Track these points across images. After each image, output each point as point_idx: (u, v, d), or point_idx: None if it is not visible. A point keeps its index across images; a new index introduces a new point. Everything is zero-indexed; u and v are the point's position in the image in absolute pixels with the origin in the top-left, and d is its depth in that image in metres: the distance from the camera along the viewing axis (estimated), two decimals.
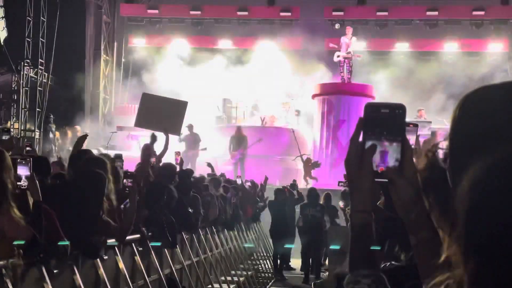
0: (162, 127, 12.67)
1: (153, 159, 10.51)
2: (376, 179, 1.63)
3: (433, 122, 22.95)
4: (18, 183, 4.52)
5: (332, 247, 13.97)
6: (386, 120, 1.63)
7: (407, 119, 1.68)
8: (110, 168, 6.34)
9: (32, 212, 4.61)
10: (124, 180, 6.60)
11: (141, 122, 13.92)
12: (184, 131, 21.16)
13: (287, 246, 15.59)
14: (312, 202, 15.19)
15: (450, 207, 1.39)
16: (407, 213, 1.65)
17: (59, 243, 4.98)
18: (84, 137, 7.98)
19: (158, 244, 8.17)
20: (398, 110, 1.64)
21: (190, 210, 9.67)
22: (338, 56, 23.43)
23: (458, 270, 1.19)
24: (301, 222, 15.42)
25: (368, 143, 1.62)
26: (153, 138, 10.69)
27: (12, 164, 4.45)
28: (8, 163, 4.31)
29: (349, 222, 1.72)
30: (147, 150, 10.66)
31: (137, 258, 7.53)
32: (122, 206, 6.78)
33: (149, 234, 7.84)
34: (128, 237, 7.09)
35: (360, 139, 1.64)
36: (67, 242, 5.15)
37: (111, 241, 6.47)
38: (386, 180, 1.63)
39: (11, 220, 4.23)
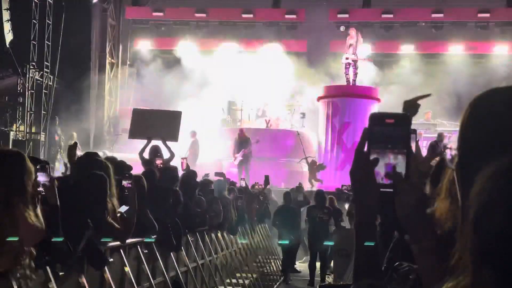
0: (158, 135, 12.55)
1: (159, 161, 10.53)
2: (381, 190, 1.63)
3: (440, 125, 22.96)
4: (38, 189, 4.55)
5: (336, 248, 14.00)
6: (391, 131, 1.63)
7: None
8: (113, 171, 6.34)
9: (49, 217, 4.64)
10: (123, 182, 6.57)
11: (135, 134, 13.45)
12: (188, 137, 21.38)
13: (282, 242, 15.42)
14: (320, 204, 15.15)
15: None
16: (409, 222, 1.65)
17: (54, 239, 4.97)
18: (73, 146, 7.85)
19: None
20: (402, 120, 1.64)
21: (198, 210, 9.68)
22: (347, 59, 23.40)
23: (464, 277, 1.18)
24: (306, 225, 15.38)
25: (373, 154, 1.62)
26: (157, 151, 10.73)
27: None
28: (28, 166, 4.34)
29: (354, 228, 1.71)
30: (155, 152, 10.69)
31: (143, 260, 7.53)
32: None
33: (153, 236, 7.83)
34: (133, 240, 7.10)
35: (365, 149, 1.64)
36: (61, 238, 5.15)
37: (114, 243, 6.47)
38: (392, 190, 1.63)
39: (27, 225, 4.25)
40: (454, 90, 24.55)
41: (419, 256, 1.66)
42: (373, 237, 1.65)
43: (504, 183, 1.12)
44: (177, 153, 12.87)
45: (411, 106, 3.72)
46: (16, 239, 4.21)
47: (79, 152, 7.57)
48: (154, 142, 11.95)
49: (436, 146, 18.38)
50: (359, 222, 1.67)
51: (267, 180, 16.93)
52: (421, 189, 1.65)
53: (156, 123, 13.05)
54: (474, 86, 22.81)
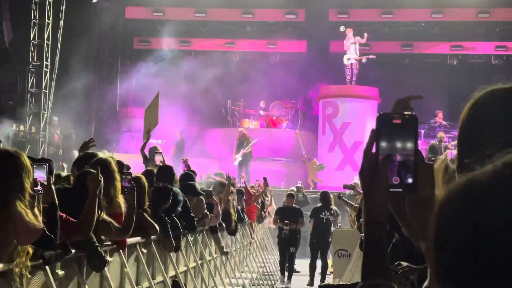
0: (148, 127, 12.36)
1: (158, 159, 10.50)
2: (391, 189, 1.63)
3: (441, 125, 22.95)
4: (35, 188, 4.58)
5: (336, 249, 14.00)
6: (398, 130, 1.64)
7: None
8: (116, 169, 6.34)
9: (47, 215, 4.67)
10: (123, 182, 6.56)
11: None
12: (175, 136, 21.41)
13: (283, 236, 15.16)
14: (326, 205, 15.14)
15: None
16: (419, 220, 1.65)
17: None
18: (90, 142, 7.97)
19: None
20: (409, 119, 1.65)
21: (192, 214, 9.66)
22: (349, 59, 23.40)
23: None
24: (311, 225, 15.32)
25: (382, 154, 1.63)
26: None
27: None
28: (28, 166, 4.39)
29: (363, 232, 1.71)
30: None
31: (142, 260, 7.53)
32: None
33: (152, 237, 7.83)
34: (132, 240, 7.09)
35: (373, 150, 1.64)
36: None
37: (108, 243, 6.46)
38: (401, 190, 1.63)
39: (24, 223, 4.27)
40: (453, 90, 24.55)
41: (427, 253, 1.66)
42: (383, 237, 1.66)
43: (459, 203, 1.10)
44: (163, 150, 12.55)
45: (404, 108, 3.66)
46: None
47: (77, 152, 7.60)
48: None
49: (437, 148, 18.39)
50: (369, 222, 1.67)
51: (265, 181, 16.89)
52: (431, 187, 1.65)
53: (146, 117, 12.77)
54: (472, 86, 22.80)
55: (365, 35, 23.82)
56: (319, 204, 15.40)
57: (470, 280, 1.05)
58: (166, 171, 9.29)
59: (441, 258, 1.11)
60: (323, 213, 14.98)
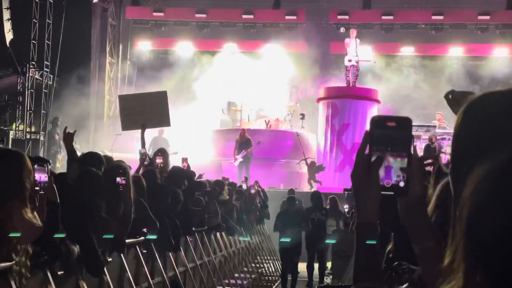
0: (150, 124, 12.27)
1: (159, 160, 10.48)
2: (382, 192, 1.63)
3: (439, 127, 22.95)
4: (36, 187, 4.59)
5: (335, 250, 14.00)
6: (392, 134, 1.64)
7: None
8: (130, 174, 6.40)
9: (49, 214, 4.69)
10: (118, 179, 6.55)
11: (127, 125, 13.05)
12: (154, 133, 21.30)
13: (283, 240, 14.83)
14: (317, 205, 15.07)
15: (450, 214, 1.39)
16: (411, 222, 1.66)
17: (55, 235, 4.98)
18: (68, 133, 7.80)
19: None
20: (403, 123, 1.65)
21: (198, 208, 9.68)
22: (350, 61, 23.38)
23: (455, 280, 1.18)
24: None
25: (374, 156, 1.63)
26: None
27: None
28: (28, 166, 4.42)
29: (354, 231, 1.71)
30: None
31: (141, 260, 7.54)
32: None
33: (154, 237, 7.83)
34: (131, 240, 7.10)
35: (367, 152, 1.65)
36: (63, 234, 5.17)
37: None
38: (393, 193, 1.64)
39: (24, 222, 4.29)
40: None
41: (420, 256, 1.67)
42: (373, 239, 1.66)
43: (498, 185, 1.11)
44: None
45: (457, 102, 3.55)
46: (17, 235, 4.25)
47: (78, 152, 7.55)
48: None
49: (429, 148, 18.50)
50: (360, 224, 1.67)
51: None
52: (423, 189, 1.66)
53: (145, 109, 12.65)
54: (472, 88, 22.81)
55: (353, 31, 23.74)
56: (310, 205, 15.25)
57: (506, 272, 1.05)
58: (176, 174, 9.30)
59: (477, 245, 1.10)
60: (314, 214, 14.87)
